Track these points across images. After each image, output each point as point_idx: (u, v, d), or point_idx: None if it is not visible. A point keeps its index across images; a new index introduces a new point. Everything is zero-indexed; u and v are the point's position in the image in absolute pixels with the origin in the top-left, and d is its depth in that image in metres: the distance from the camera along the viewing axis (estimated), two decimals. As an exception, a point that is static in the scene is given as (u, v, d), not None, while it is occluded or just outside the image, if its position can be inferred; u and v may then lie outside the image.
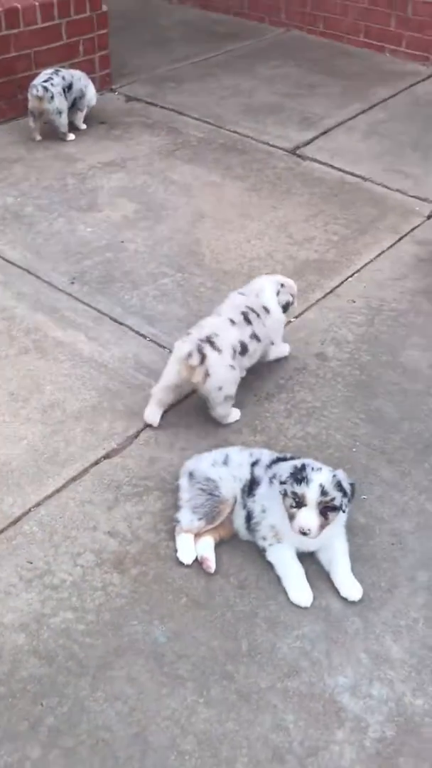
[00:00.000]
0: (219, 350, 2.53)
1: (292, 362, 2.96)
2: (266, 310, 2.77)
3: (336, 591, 2.16)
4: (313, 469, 2.08)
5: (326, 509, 2.05)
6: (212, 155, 4.42)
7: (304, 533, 2.05)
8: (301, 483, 2.04)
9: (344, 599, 2.14)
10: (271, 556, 2.21)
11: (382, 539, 2.32)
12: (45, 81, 4.26)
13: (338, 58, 5.89)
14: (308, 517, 2.04)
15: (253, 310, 2.72)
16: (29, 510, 2.35)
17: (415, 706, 1.92)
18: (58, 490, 2.42)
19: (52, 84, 4.26)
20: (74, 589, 2.14)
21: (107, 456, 2.55)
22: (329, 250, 3.65)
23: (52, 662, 1.97)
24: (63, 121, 4.40)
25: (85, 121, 4.64)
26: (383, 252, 3.64)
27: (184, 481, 2.33)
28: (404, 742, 1.85)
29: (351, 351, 3.04)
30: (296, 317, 3.20)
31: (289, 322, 3.17)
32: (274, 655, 2.01)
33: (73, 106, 4.50)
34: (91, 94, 4.57)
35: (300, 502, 2.05)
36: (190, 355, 2.46)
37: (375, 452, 2.61)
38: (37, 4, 4.57)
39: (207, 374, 2.50)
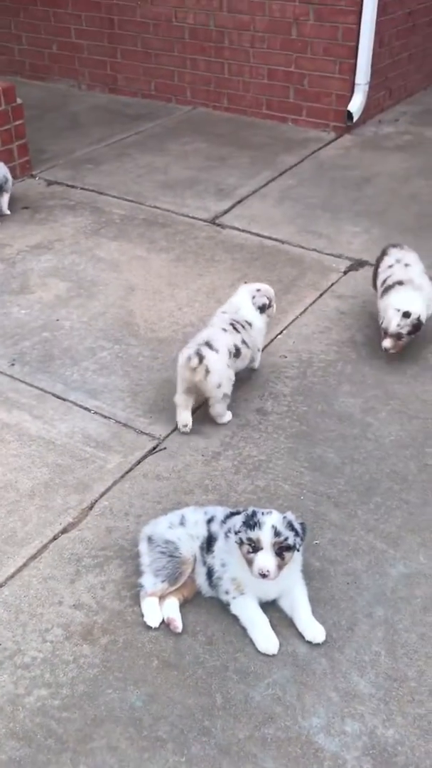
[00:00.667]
0: (216, 350, 2.94)
1: (235, 420, 3.10)
2: (248, 323, 3.19)
3: (300, 635, 2.24)
4: (263, 513, 2.20)
5: (281, 549, 2.16)
6: (136, 230, 4.61)
7: (263, 575, 2.15)
8: (254, 528, 2.15)
9: (309, 642, 2.23)
10: (235, 608, 2.28)
11: (337, 580, 2.43)
12: None
13: (244, 130, 6.26)
14: (265, 559, 2.14)
15: (238, 322, 3.14)
16: (-8, 593, 2.37)
17: (387, 737, 2.01)
18: (19, 570, 2.45)
19: None
20: (46, 666, 2.16)
21: (64, 530, 2.60)
22: (257, 311, 3.84)
23: (31, 742, 1.98)
24: (5, 200, 4.71)
25: (9, 207, 4.79)
26: (307, 308, 3.86)
27: (143, 546, 2.40)
28: (381, 772, 1.93)
29: (288, 403, 3.20)
30: (233, 377, 3.35)
31: (227, 382, 3.32)
32: (249, 704, 2.07)
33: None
34: (10, 177, 4.80)
35: (256, 547, 2.15)
36: (190, 358, 2.86)
37: (322, 498, 2.74)
38: None
39: (207, 372, 2.88)
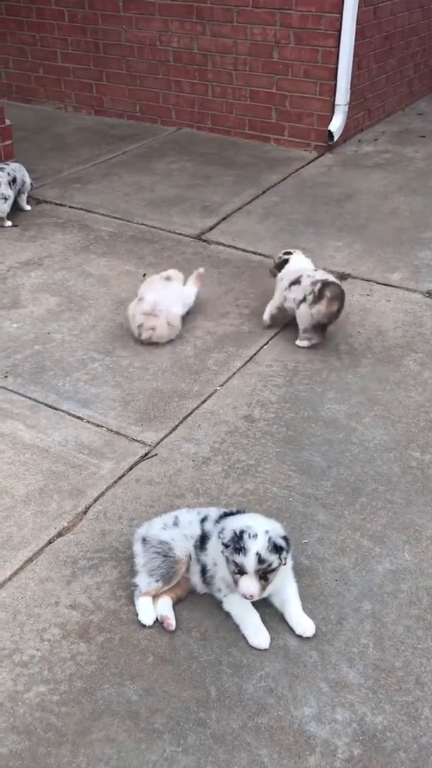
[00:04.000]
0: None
1: (223, 426, 3.18)
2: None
3: (291, 630, 2.32)
4: (249, 536, 2.22)
5: (265, 573, 2.22)
6: (124, 247, 4.72)
7: (247, 598, 2.23)
8: (239, 553, 2.20)
9: (299, 636, 2.30)
10: (227, 605, 2.36)
11: (326, 577, 2.51)
12: None
13: (228, 150, 6.41)
14: (249, 584, 2.21)
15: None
16: (-10, 595, 2.43)
17: (376, 724, 2.08)
18: (16, 572, 2.51)
19: (1, 173, 4.82)
20: (44, 663, 2.22)
21: (60, 534, 2.67)
22: (243, 323, 3.95)
23: (32, 735, 2.04)
24: (7, 206, 4.90)
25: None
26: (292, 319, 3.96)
27: (138, 547, 2.46)
28: (371, 757, 2.00)
29: (276, 410, 3.29)
30: (222, 385, 3.44)
31: (216, 390, 3.41)
32: (242, 696, 2.14)
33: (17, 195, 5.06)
34: (28, 179, 5.13)
35: (240, 570, 2.22)
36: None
37: (309, 499, 2.83)
38: None
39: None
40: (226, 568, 2.30)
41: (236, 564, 2.22)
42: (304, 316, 3.63)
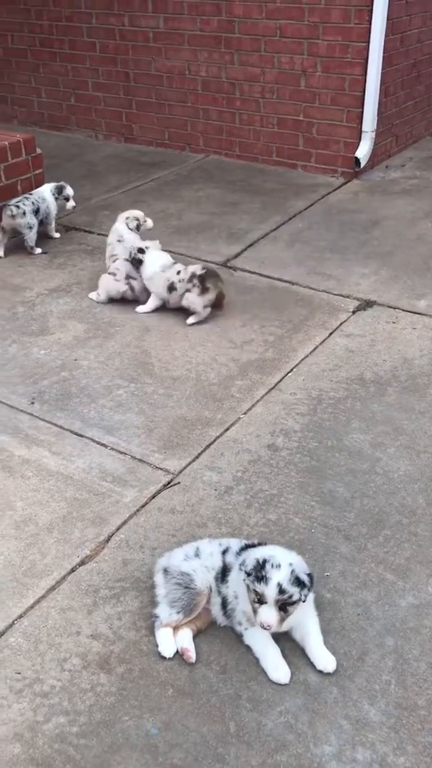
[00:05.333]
0: None
1: (246, 455, 3.19)
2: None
3: (312, 665, 2.30)
4: (272, 566, 2.21)
5: (285, 605, 2.20)
6: (151, 273, 4.76)
7: (265, 628, 2.21)
8: (260, 582, 2.19)
9: (320, 672, 2.28)
10: (248, 639, 2.34)
11: (348, 611, 2.49)
12: (18, 201, 4.92)
13: (255, 176, 6.47)
14: (268, 614, 2.19)
15: None
16: (13, 623, 2.44)
17: (398, 765, 2.04)
18: (38, 601, 2.53)
19: (24, 203, 4.91)
20: (64, 694, 2.23)
21: (82, 563, 2.68)
22: (267, 350, 3.96)
23: (50, 768, 2.04)
24: (33, 235, 5.00)
25: (29, 253, 5.01)
26: (317, 347, 3.97)
27: (159, 578, 2.47)
28: (392, 799, 1.97)
29: (299, 439, 3.28)
30: (245, 413, 3.45)
31: (239, 418, 3.42)
32: (261, 732, 2.12)
33: (41, 224, 5.12)
34: (53, 209, 5.19)
35: (260, 600, 2.21)
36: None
37: (332, 531, 2.81)
38: (-24, 153, 4.97)
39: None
40: (247, 599, 2.29)
41: (257, 593, 2.21)
42: (195, 300, 4.18)
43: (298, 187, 6.21)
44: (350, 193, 6.11)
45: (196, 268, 4.21)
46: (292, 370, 3.78)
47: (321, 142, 6.42)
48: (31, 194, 5.07)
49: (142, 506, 2.93)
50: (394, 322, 4.19)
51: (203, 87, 6.80)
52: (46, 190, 5.12)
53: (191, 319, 4.23)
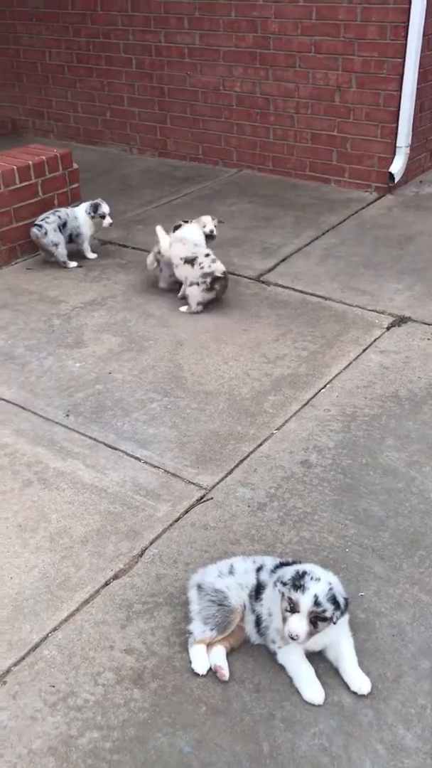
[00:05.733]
0: None
1: (279, 472, 3.18)
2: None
3: (346, 685, 2.27)
4: (312, 578, 2.21)
5: (317, 619, 2.18)
6: (184, 287, 4.80)
7: (292, 638, 2.18)
8: (297, 590, 2.18)
9: (355, 693, 2.26)
10: (282, 658, 2.33)
11: (383, 632, 2.46)
12: (42, 219, 4.99)
13: (288, 191, 6.48)
14: (298, 624, 2.17)
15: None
16: (47, 635, 2.46)
17: (434, 791, 2.01)
18: (72, 614, 2.54)
19: (47, 222, 4.94)
20: (98, 708, 2.23)
21: (116, 576, 2.69)
22: (301, 365, 3.95)
23: (84, 783, 2.04)
24: (61, 251, 5.03)
25: (62, 265, 5.08)
26: (351, 363, 3.95)
27: (193, 594, 2.47)
28: None
29: (333, 456, 3.27)
30: (278, 429, 3.45)
31: (272, 434, 3.41)
32: (295, 753, 2.10)
33: (71, 241, 5.12)
34: (87, 230, 5.15)
35: (293, 608, 2.19)
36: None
37: (366, 550, 2.78)
38: (15, 167, 5.05)
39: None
40: (280, 608, 2.26)
41: (291, 600, 2.18)
42: (195, 295, 4.45)
43: (332, 202, 6.21)
44: (384, 209, 6.09)
45: (217, 269, 4.42)
46: (325, 386, 3.77)
47: (355, 157, 6.42)
48: (58, 210, 5.10)
49: (175, 521, 2.93)
50: (429, 339, 4.16)
51: (237, 102, 6.84)
52: (80, 210, 5.09)
53: (184, 308, 4.52)
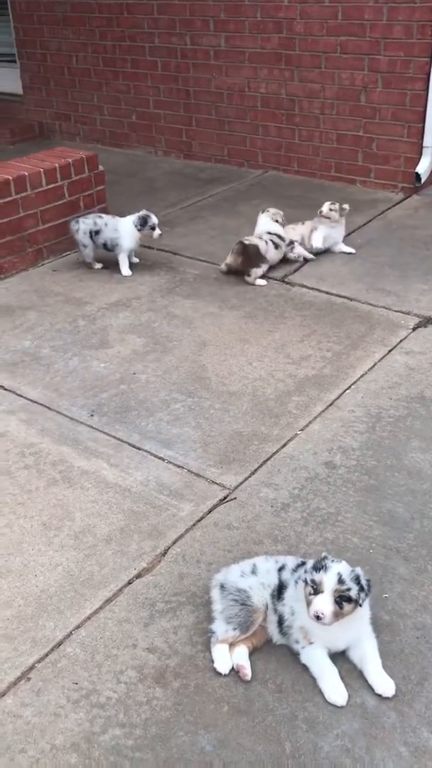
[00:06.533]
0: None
1: (303, 472, 3.17)
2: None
3: (369, 687, 2.26)
4: (332, 560, 2.24)
5: (341, 598, 2.18)
6: (209, 289, 4.80)
7: (318, 617, 2.17)
8: (319, 571, 2.20)
9: (378, 695, 2.24)
10: (305, 658, 2.32)
11: (407, 634, 2.44)
12: (80, 217, 5.07)
13: (314, 192, 6.46)
14: (324, 602, 2.17)
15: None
16: (70, 633, 2.48)
17: (458, 795, 1.99)
18: (95, 612, 2.55)
19: (83, 222, 4.99)
20: (120, 706, 2.24)
21: (139, 575, 2.70)
22: (325, 366, 3.93)
23: (106, 779, 2.05)
24: (87, 252, 5.07)
25: (90, 268, 5.11)
26: (376, 364, 3.92)
27: (215, 594, 2.46)
28: None
29: (357, 457, 3.25)
30: (302, 430, 3.43)
31: (296, 434, 3.40)
32: (317, 755, 2.09)
33: (106, 249, 5.06)
34: (127, 242, 5.02)
35: (317, 589, 2.19)
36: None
37: (391, 552, 2.76)
38: (42, 170, 5.10)
39: None
40: (304, 598, 2.25)
41: (314, 582, 2.18)
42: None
43: (357, 202, 6.18)
44: (410, 209, 6.05)
45: (252, 239, 4.90)
46: (350, 386, 3.75)
47: (381, 158, 6.38)
48: (101, 217, 5.03)
49: (199, 521, 2.94)
50: (455, 340, 4.12)
51: (263, 104, 6.84)
52: (127, 222, 4.95)
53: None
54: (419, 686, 2.27)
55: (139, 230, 4.96)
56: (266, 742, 2.13)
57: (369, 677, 2.27)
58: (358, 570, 2.26)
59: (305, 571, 2.26)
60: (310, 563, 2.28)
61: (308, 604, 2.21)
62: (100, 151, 6.46)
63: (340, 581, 2.18)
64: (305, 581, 2.24)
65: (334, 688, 2.24)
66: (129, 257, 5.11)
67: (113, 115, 7.92)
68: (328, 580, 2.18)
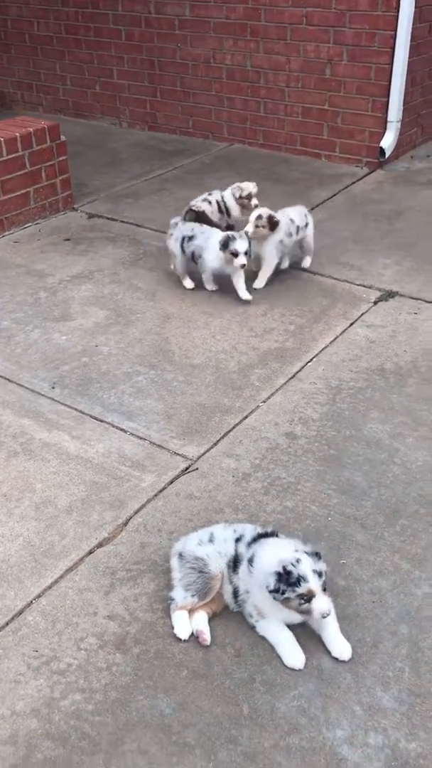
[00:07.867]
0: None
1: (264, 443, 3.20)
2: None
3: (326, 650, 2.31)
4: (293, 563, 2.21)
5: (324, 584, 2.24)
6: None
7: (324, 617, 2.23)
8: (300, 583, 2.19)
9: (335, 658, 2.29)
10: (261, 630, 2.35)
11: (363, 599, 2.50)
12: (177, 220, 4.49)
13: (279, 165, 6.45)
14: (322, 602, 2.22)
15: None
16: (31, 602, 2.48)
17: (409, 750, 2.05)
18: (56, 581, 2.56)
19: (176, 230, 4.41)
20: (80, 672, 2.26)
21: (100, 545, 2.71)
22: (288, 339, 3.96)
23: (66, 743, 2.07)
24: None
25: (49, 239, 5.03)
26: (337, 337, 3.96)
27: (174, 562, 2.49)
28: (403, 785, 1.98)
29: (317, 428, 3.29)
30: (264, 402, 3.46)
31: (258, 406, 3.43)
32: (274, 715, 2.14)
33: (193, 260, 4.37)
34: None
35: (308, 597, 2.21)
36: None
37: (349, 519, 2.81)
38: (2, 139, 5.00)
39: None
40: (259, 594, 2.29)
41: (302, 595, 2.20)
42: None
43: (322, 176, 6.18)
44: (374, 184, 6.07)
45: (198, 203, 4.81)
46: (312, 359, 3.78)
47: (345, 132, 6.38)
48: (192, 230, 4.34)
49: (160, 491, 2.95)
50: (416, 313, 4.17)
51: (228, 75, 6.78)
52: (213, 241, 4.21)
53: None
54: (374, 648, 2.33)
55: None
56: (224, 704, 2.17)
57: (327, 641, 2.32)
58: (305, 548, 2.30)
59: (278, 591, 2.21)
60: (271, 578, 2.22)
61: (306, 612, 2.23)
62: (64, 122, 6.36)
63: (319, 575, 2.22)
64: (287, 599, 2.22)
65: (291, 652, 2.29)
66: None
67: (76, 84, 7.77)
68: (314, 583, 2.20)
